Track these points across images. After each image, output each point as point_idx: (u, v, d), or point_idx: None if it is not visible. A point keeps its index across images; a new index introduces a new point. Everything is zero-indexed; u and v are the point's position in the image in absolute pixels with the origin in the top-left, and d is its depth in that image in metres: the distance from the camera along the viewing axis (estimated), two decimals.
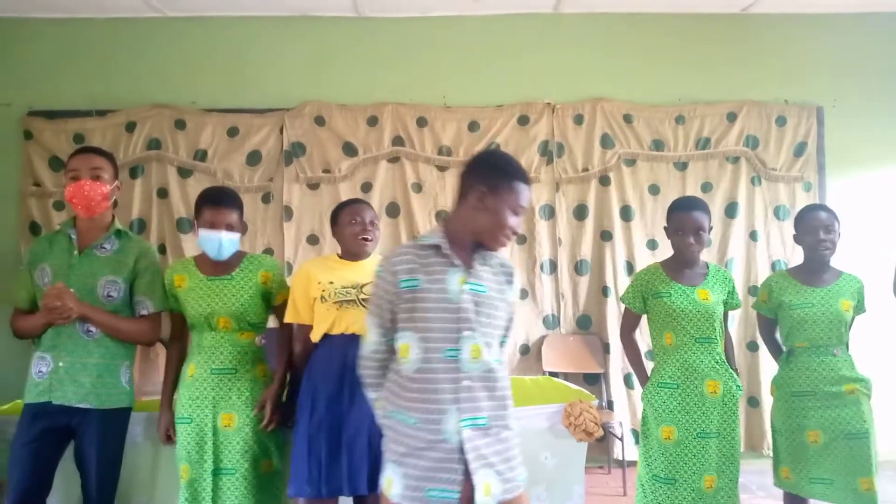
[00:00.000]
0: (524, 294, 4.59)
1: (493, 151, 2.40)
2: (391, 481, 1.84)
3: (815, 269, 2.90)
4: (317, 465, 2.42)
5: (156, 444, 2.65)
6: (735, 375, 2.76)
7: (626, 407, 4.49)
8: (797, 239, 2.95)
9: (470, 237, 1.92)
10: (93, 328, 2.45)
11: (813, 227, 2.86)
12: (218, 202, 2.56)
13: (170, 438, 2.56)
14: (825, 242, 2.83)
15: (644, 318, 2.92)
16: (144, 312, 2.55)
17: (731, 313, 2.92)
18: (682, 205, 2.82)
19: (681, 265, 2.81)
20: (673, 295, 2.75)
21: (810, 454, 2.80)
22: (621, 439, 4.11)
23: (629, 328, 2.95)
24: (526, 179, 1.94)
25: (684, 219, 2.74)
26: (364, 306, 2.47)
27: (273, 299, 2.65)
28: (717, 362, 2.73)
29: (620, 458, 4.16)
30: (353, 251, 2.65)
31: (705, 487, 2.66)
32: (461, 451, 1.80)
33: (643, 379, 2.89)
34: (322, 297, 2.53)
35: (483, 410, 1.85)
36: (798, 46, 4.73)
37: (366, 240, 2.63)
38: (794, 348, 2.88)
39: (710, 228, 2.80)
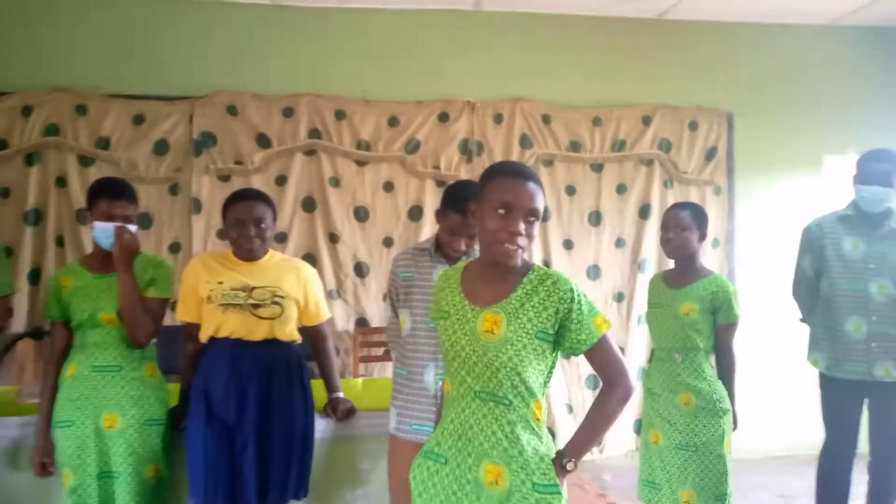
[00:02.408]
0: None
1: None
2: (391, 417, 2.37)
3: (679, 269, 2.78)
4: (215, 473, 2.31)
5: None
6: (534, 465, 1.60)
7: None
8: None
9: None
10: None
11: (663, 225, 2.77)
12: (116, 194, 2.43)
13: (45, 468, 2.39)
14: (671, 242, 2.72)
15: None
16: None
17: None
18: (507, 169, 1.72)
19: (485, 270, 1.75)
20: (451, 317, 1.72)
21: (648, 455, 2.74)
22: None
23: None
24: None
25: (511, 188, 1.64)
26: (253, 312, 2.38)
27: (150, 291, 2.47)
28: (507, 437, 1.60)
29: None
30: (238, 255, 2.47)
31: None
32: (436, 397, 2.23)
33: None
34: (209, 297, 2.41)
35: None
36: (712, 53, 4.86)
37: (250, 246, 2.42)
38: (653, 349, 2.85)
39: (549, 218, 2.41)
